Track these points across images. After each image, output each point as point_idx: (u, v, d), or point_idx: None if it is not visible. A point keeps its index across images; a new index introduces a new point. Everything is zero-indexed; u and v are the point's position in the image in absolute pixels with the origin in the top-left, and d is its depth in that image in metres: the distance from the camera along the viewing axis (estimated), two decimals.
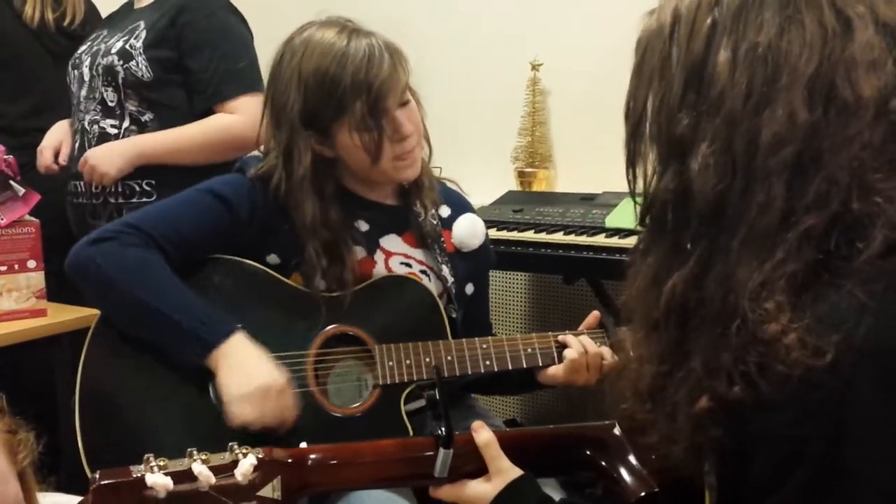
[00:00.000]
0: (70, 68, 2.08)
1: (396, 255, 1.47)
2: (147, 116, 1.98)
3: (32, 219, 1.80)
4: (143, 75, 1.94)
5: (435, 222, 1.50)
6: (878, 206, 0.70)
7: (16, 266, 1.76)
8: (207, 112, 1.98)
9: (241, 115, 1.92)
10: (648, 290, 0.79)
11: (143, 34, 1.96)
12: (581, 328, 1.46)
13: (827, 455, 0.67)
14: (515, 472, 1.01)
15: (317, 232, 1.35)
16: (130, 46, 1.95)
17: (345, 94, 1.31)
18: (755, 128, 0.72)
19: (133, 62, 1.94)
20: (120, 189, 1.98)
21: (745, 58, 0.73)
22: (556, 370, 1.40)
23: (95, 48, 2.02)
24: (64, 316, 1.80)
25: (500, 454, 1.02)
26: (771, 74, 0.72)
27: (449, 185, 1.58)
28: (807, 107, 0.71)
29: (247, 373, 1.24)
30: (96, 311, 1.40)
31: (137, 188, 1.98)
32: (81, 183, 2.02)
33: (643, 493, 1.04)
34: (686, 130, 0.75)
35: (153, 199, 1.96)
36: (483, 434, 1.03)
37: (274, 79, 1.39)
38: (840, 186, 0.70)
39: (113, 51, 1.96)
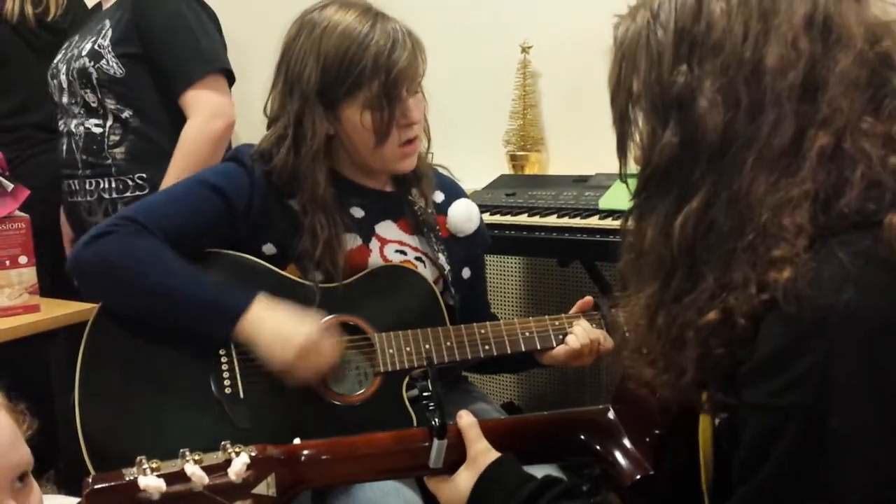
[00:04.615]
0: (49, 78, 2.09)
1: (392, 243, 1.46)
2: (127, 113, 1.99)
3: (22, 214, 1.79)
4: (114, 72, 1.96)
5: (430, 210, 1.49)
6: (863, 151, 0.73)
7: (7, 262, 1.76)
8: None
9: (202, 104, 1.93)
10: (658, 239, 0.80)
11: (109, 32, 1.97)
12: (574, 310, 1.47)
13: (813, 425, 0.68)
14: (491, 455, 1.00)
15: (322, 205, 1.36)
16: (99, 46, 1.97)
17: (363, 73, 1.33)
18: (758, 57, 0.75)
19: (103, 61, 1.95)
20: (113, 185, 1.99)
21: (741, 3, 0.77)
22: (557, 353, 1.41)
23: (69, 54, 2.04)
24: (58, 311, 1.79)
25: (479, 437, 1.01)
26: (770, 9, 0.76)
27: (441, 170, 1.58)
28: (807, 35, 0.75)
29: (283, 338, 1.26)
30: (91, 306, 1.38)
31: (131, 182, 1.99)
32: (75, 181, 2.03)
33: (638, 476, 1.05)
34: (682, 87, 0.77)
35: (146, 192, 1.97)
36: (465, 418, 1.03)
37: (289, 50, 1.38)
38: (843, 111, 0.74)
39: (84, 53, 1.98)
